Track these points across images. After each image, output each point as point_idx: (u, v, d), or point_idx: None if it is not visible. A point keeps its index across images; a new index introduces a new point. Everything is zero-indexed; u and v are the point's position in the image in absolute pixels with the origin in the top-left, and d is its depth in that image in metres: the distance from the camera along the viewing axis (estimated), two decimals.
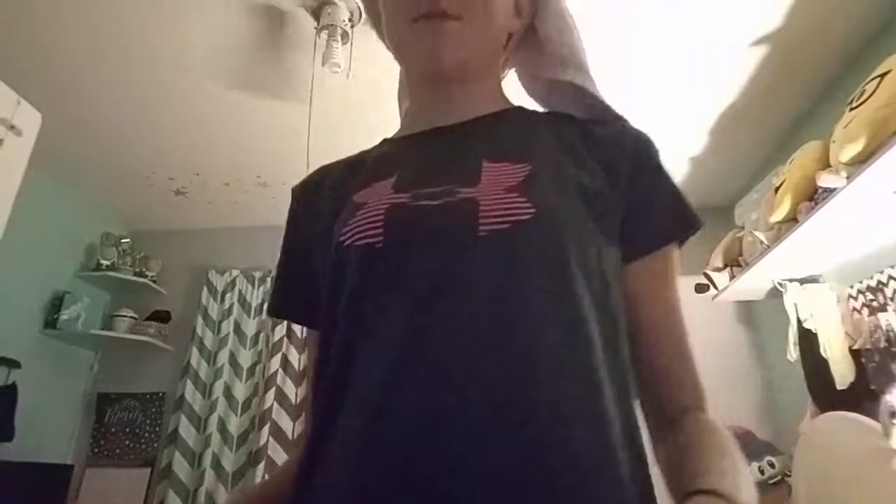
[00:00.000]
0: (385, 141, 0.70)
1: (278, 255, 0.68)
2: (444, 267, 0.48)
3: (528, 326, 0.46)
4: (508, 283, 0.47)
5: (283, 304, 0.68)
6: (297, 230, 0.66)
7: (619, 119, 0.64)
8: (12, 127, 1.62)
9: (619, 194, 0.56)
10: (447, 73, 0.61)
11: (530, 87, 0.72)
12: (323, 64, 1.80)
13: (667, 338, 0.58)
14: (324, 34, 1.80)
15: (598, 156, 0.58)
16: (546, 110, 0.69)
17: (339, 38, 1.79)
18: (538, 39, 0.67)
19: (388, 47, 0.67)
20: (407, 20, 0.59)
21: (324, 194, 0.64)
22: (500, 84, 0.70)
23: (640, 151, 0.59)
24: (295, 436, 2.83)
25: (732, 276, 2.41)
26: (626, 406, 0.50)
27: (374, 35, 2.05)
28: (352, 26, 1.83)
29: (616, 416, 0.47)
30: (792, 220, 1.95)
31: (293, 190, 0.70)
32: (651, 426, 0.58)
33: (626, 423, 0.48)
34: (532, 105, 0.71)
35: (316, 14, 1.81)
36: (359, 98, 2.26)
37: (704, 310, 2.90)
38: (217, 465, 2.78)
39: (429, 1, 0.57)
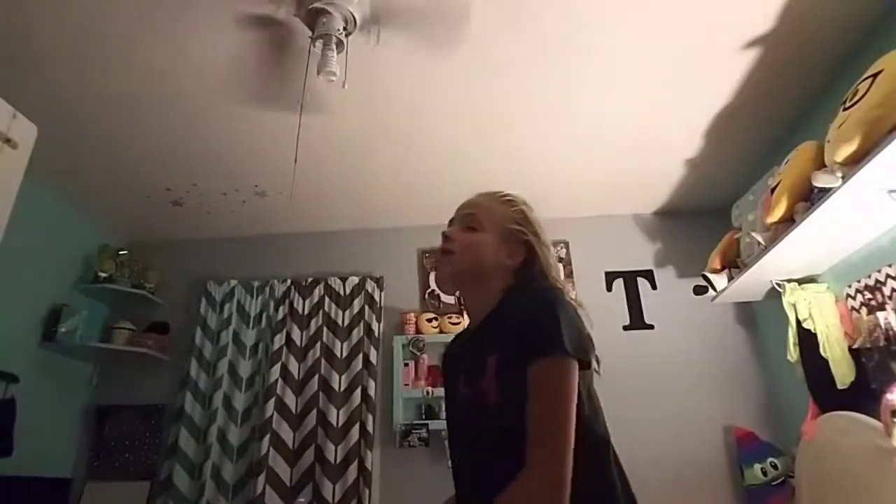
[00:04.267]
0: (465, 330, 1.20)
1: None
2: (471, 429, 1.03)
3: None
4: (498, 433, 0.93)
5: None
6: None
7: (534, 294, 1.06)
8: (8, 140, 1.62)
9: (518, 337, 0.96)
10: (453, 281, 1.15)
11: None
12: (318, 73, 1.80)
13: (530, 419, 0.89)
14: (319, 43, 1.80)
15: (516, 319, 0.99)
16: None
17: (335, 47, 1.80)
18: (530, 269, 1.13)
19: None
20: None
21: (451, 365, 1.18)
22: (498, 286, 1.08)
23: (534, 305, 0.99)
24: (295, 446, 2.82)
25: (731, 278, 2.42)
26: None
27: (368, 44, 2.06)
28: (346, 35, 1.83)
29: None
30: (788, 221, 1.96)
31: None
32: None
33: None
34: None
35: (311, 24, 1.82)
36: (354, 107, 2.27)
37: (704, 311, 2.90)
38: (217, 476, 2.77)
39: (441, 246, 1.15)
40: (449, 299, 3.06)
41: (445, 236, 1.14)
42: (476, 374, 0.98)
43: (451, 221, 1.19)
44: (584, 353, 0.94)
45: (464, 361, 1.06)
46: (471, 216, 1.14)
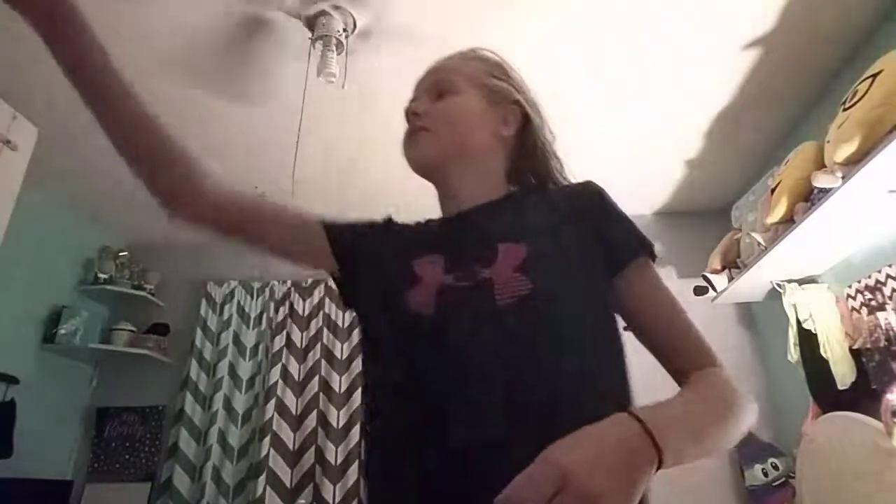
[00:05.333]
0: (429, 220, 0.89)
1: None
2: (472, 331, 0.67)
3: (526, 375, 0.64)
4: (515, 342, 0.65)
5: (339, 229, 0.84)
6: (366, 243, 0.84)
7: (578, 182, 0.89)
8: (8, 142, 1.62)
9: (596, 236, 0.77)
10: (431, 166, 0.85)
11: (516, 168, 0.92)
12: (318, 74, 1.80)
13: (668, 322, 0.79)
14: (318, 44, 1.81)
15: (574, 212, 0.79)
16: (526, 189, 0.90)
17: (334, 49, 1.80)
18: (528, 143, 0.91)
19: None
20: (405, 139, 0.86)
21: (391, 241, 0.84)
22: (497, 173, 0.88)
23: (599, 199, 0.83)
24: (295, 447, 2.82)
25: (731, 278, 2.41)
26: (623, 401, 0.71)
27: (368, 45, 2.07)
28: (346, 36, 1.84)
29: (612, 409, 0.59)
30: (789, 221, 1.95)
31: (385, 222, 0.89)
32: (678, 384, 0.73)
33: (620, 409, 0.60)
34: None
35: (311, 24, 1.82)
36: (353, 108, 2.27)
37: (704, 312, 2.88)
38: (218, 477, 2.76)
39: (409, 125, 0.85)
40: None
41: (413, 113, 0.84)
42: (470, 261, 0.72)
43: (412, 99, 0.88)
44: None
45: (440, 244, 0.78)
46: (439, 81, 0.86)
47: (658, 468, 0.51)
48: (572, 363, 0.65)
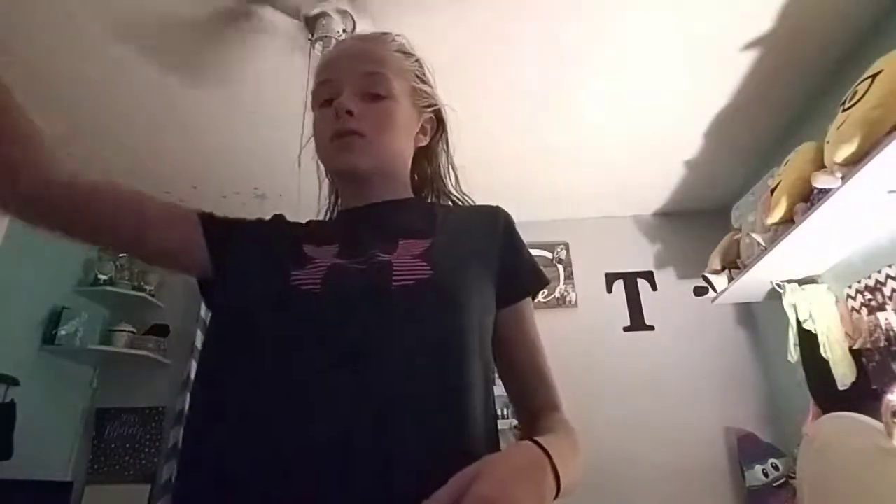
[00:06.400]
0: (319, 221, 0.86)
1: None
2: (365, 311, 0.62)
3: (412, 356, 0.60)
4: (411, 325, 0.62)
5: (217, 219, 0.77)
6: (248, 232, 0.77)
7: (487, 205, 0.85)
8: None
9: (499, 262, 0.75)
10: (359, 176, 0.77)
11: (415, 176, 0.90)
12: None
13: (541, 362, 0.77)
14: (318, 45, 1.81)
15: (481, 233, 0.78)
16: (430, 200, 0.91)
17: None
18: (434, 153, 0.90)
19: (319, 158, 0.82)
20: (327, 138, 0.76)
21: (278, 230, 0.79)
22: (407, 180, 0.85)
23: (509, 227, 0.80)
24: None
25: (731, 279, 2.41)
26: (488, 399, 0.67)
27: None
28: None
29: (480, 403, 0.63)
30: (788, 222, 1.95)
31: (272, 217, 0.82)
32: (522, 420, 0.76)
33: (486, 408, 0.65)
34: None
35: (310, 25, 1.82)
36: None
37: (704, 312, 2.89)
38: None
39: (339, 125, 0.74)
40: None
41: (347, 111, 0.74)
42: (366, 248, 0.68)
43: (328, 81, 0.78)
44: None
45: (337, 234, 0.73)
46: (376, 76, 0.77)
47: (556, 496, 0.53)
48: (454, 356, 0.62)
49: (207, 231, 0.73)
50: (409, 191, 0.84)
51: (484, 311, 0.70)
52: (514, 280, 0.76)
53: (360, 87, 0.76)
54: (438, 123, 0.88)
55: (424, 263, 0.66)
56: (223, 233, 0.74)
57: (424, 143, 0.85)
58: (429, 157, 0.89)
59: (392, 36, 0.85)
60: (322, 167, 0.84)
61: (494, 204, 0.84)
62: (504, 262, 0.75)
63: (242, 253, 0.72)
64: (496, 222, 0.80)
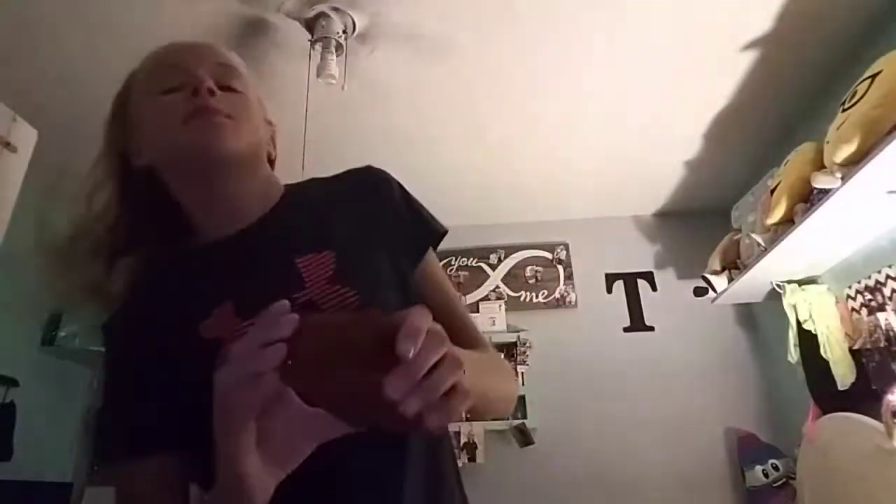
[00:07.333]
0: (180, 256, 0.73)
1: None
2: None
3: None
4: None
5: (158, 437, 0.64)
6: (129, 365, 0.67)
7: (356, 168, 0.78)
8: (7, 144, 1.62)
9: (393, 223, 0.72)
10: (224, 163, 0.66)
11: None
12: (318, 76, 1.80)
13: (456, 305, 0.76)
14: (318, 46, 1.81)
15: (364, 201, 0.73)
16: (297, 186, 0.81)
17: (334, 51, 1.80)
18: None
19: (149, 160, 0.71)
20: (177, 122, 0.65)
21: (150, 329, 0.65)
22: (269, 177, 0.78)
23: (386, 186, 0.75)
24: None
25: (731, 279, 2.41)
26: None
27: (368, 46, 2.06)
28: (346, 38, 1.84)
29: None
30: (788, 222, 1.96)
31: (107, 327, 0.70)
32: None
33: None
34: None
35: (310, 26, 1.82)
36: (354, 108, 2.27)
37: (704, 313, 2.89)
38: None
39: (202, 101, 0.65)
40: None
41: (209, 89, 0.66)
42: (268, 296, 0.49)
43: (175, 66, 0.71)
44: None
45: (223, 288, 0.64)
46: (230, 69, 0.74)
47: None
48: None
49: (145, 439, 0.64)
50: (274, 184, 0.78)
51: (408, 290, 0.70)
52: (416, 238, 0.74)
53: (215, 76, 0.69)
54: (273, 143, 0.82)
55: (344, 287, 0.62)
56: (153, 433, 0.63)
57: (273, 156, 0.81)
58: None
59: (218, 46, 0.79)
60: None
61: (361, 166, 0.78)
62: (399, 223, 0.73)
63: (153, 393, 0.62)
64: (374, 185, 0.75)
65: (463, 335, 0.69)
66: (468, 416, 0.52)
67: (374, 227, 0.71)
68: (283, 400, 0.47)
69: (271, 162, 0.81)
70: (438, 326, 0.45)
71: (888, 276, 1.86)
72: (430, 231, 0.76)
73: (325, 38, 1.77)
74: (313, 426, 0.48)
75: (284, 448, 0.49)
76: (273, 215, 0.71)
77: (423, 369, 0.41)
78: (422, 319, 0.43)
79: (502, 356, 2.83)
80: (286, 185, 0.79)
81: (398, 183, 0.77)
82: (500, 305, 3.05)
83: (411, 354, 0.40)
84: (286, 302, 0.45)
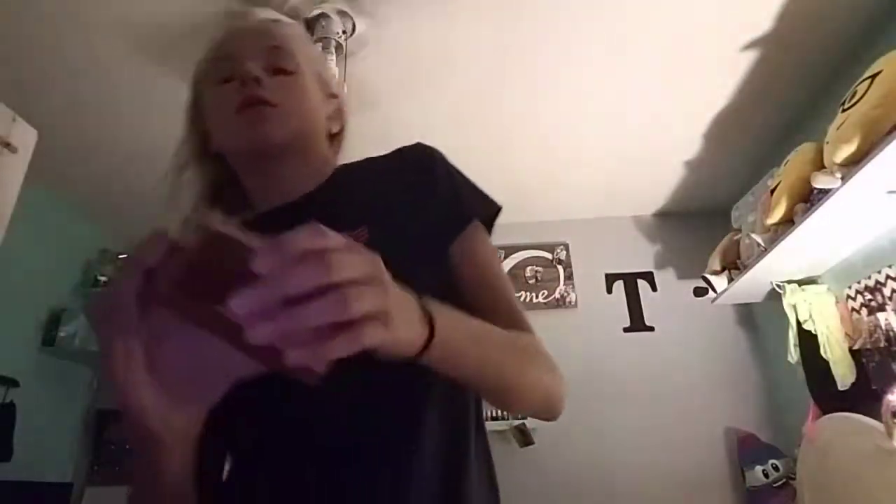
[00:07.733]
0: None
1: None
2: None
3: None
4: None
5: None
6: None
7: (406, 146, 0.77)
8: (7, 144, 1.62)
9: (435, 198, 0.70)
10: (273, 151, 0.69)
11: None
12: None
13: (488, 294, 0.70)
14: (318, 46, 1.81)
15: (408, 176, 0.72)
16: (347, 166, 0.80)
17: (334, 51, 1.80)
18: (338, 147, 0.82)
19: (217, 144, 0.74)
20: (231, 112, 0.68)
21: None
22: (325, 156, 0.78)
23: (423, 161, 0.74)
24: None
25: (731, 279, 2.41)
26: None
27: (369, 46, 2.06)
28: (346, 39, 1.84)
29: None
30: (788, 222, 1.96)
31: None
32: None
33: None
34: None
35: (310, 27, 1.82)
36: (351, 109, 2.27)
37: (704, 313, 2.89)
38: None
39: (249, 91, 0.67)
40: None
41: (254, 77, 0.68)
42: None
43: (226, 57, 0.72)
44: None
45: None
46: (281, 51, 0.72)
47: (430, 333, 0.46)
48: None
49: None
50: (330, 165, 0.78)
51: (442, 274, 0.67)
52: (450, 216, 0.70)
53: (266, 61, 0.70)
54: (342, 116, 0.82)
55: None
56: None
57: (336, 130, 0.80)
58: (334, 149, 0.81)
59: (292, 23, 0.79)
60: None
61: (413, 144, 0.77)
62: (436, 203, 0.70)
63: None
64: (418, 160, 0.74)
65: (499, 317, 0.64)
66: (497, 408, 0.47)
67: (414, 203, 0.69)
68: (171, 329, 0.44)
69: (334, 136, 0.81)
70: (355, 253, 0.39)
71: (888, 276, 1.86)
72: (471, 207, 0.72)
73: (325, 38, 1.77)
74: (225, 361, 0.43)
75: (195, 382, 0.46)
76: (317, 192, 0.73)
77: (281, 289, 0.35)
78: (301, 239, 0.36)
79: None
80: (343, 165, 0.79)
81: (444, 159, 0.75)
82: None
83: (265, 271, 0.35)
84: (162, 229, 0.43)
